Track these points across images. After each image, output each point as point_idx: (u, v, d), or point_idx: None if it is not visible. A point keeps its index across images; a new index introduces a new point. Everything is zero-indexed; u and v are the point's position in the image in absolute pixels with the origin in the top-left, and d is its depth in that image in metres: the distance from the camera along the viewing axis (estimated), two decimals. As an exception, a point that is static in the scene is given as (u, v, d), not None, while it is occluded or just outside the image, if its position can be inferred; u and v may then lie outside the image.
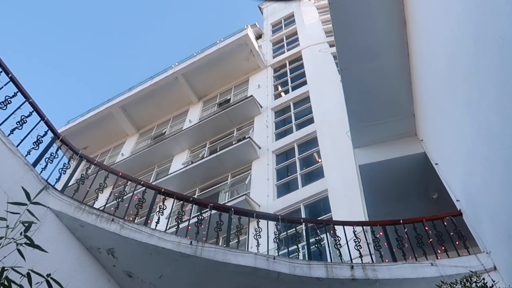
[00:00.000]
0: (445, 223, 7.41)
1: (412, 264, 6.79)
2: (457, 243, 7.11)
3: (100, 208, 7.30)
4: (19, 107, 7.12)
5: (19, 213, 3.99)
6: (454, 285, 4.66)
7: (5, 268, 3.52)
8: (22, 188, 4.05)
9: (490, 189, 5.82)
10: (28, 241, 3.74)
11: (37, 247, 3.73)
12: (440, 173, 8.48)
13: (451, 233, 7.22)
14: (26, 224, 3.78)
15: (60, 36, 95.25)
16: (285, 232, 8.31)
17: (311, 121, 17.31)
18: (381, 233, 7.60)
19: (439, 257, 6.93)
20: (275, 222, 8.01)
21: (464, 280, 4.62)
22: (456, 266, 6.44)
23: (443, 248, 7.10)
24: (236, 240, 7.40)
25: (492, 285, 4.59)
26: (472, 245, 7.07)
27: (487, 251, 6.54)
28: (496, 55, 4.54)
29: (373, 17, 8.51)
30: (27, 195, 3.99)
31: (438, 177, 8.56)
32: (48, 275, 3.71)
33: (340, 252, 7.34)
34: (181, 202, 8.17)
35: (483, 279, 4.69)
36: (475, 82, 5.49)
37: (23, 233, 3.74)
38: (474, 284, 4.58)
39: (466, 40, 5.54)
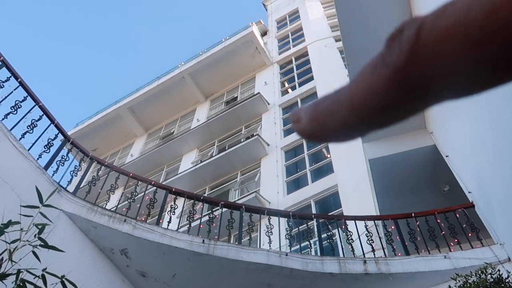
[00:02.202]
0: (457, 215, 7.37)
1: (425, 257, 6.77)
2: (470, 235, 7.08)
3: (112, 209, 7.35)
4: (29, 111, 7.19)
5: (32, 216, 4.02)
6: (469, 278, 4.64)
7: (21, 270, 3.56)
8: (36, 188, 4.08)
9: (502, 180, 5.79)
10: (42, 243, 3.78)
11: (53, 247, 3.76)
12: (451, 165, 8.44)
13: (464, 225, 7.19)
14: (39, 227, 3.81)
15: (65, 38, 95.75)
16: (297, 228, 8.30)
17: (319, 116, 17.27)
18: (393, 227, 7.58)
19: (452, 250, 6.90)
20: (286, 219, 8.02)
21: (479, 272, 4.60)
22: (469, 258, 6.42)
23: (456, 240, 7.07)
24: (248, 238, 7.42)
25: (508, 276, 4.57)
26: (485, 237, 7.04)
27: (501, 243, 6.50)
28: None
29: (379, 10, 8.48)
30: (40, 197, 4.03)
31: (449, 169, 8.52)
32: (63, 276, 3.74)
33: (352, 247, 7.33)
34: (192, 201, 8.20)
35: (498, 270, 4.67)
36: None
37: (37, 235, 3.78)
38: (489, 276, 4.55)
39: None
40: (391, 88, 0.28)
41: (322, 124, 0.32)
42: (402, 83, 0.27)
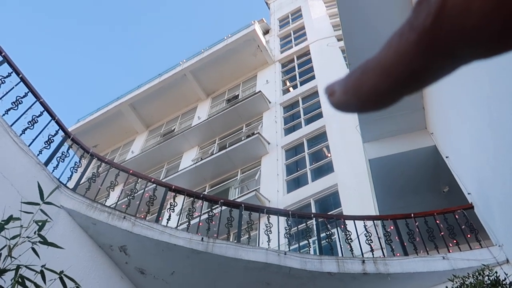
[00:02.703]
0: (457, 216, 7.38)
1: (423, 258, 6.77)
2: (469, 236, 7.08)
3: (112, 206, 7.36)
4: (30, 107, 7.20)
5: (32, 213, 4.04)
6: (466, 279, 4.65)
7: (20, 266, 3.57)
8: (38, 185, 4.09)
9: (502, 181, 5.79)
10: (42, 240, 3.79)
11: (52, 244, 3.78)
12: (451, 166, 8.44)
13: (463, 226, 7.19)
14: (40, 223, 3.82)
15: (67, 34, 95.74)
16: (296, 227, 8.31)
17: (320, 115, 17.27)
18: (392, 227, 7.58)
19: (450, 251, 6.91)
20: (286, 217, 8.03)
21: (477, 273, 4.61)
22: (468, 260, 6.42)
23: (454, 241, 7.08)
24: (247, 236, 7.43)
25: (505, 278, 4.57)
26: (484, 238, 7.04)
27: (500, 244, 6.51)
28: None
29: (381, 10, 8.46)
30: (41, 194, 4.04)
31: (448, 170, 8.52)
32: (61, 272, 3.75)
33: (351, 246, 7.34)
34: (192, 198, 8.21)
35: (496, 272, 4.67)
36: (485, 74, 5.46)
37: (37, 232, 3.79)
38: (486, 277, 4.56)
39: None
40: (419, 51, 0.28)
41: (356, 94, 0.33)
42: (431, 45, 0.28)
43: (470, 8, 0.26)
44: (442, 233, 7.30)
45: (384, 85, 0.31)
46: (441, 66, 0.29)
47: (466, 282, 4.54)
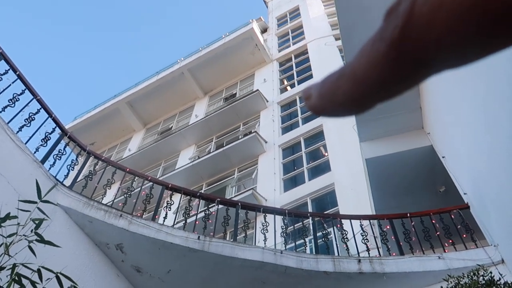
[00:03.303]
0: (452, 216, 7.40)
1: (419, 257, 6.80)
2: (464, 236, 7.11)
3: (108, 204, 7.36)
4: (27, 105, 7.19)
5: (29, 211, 4.04)
6: (461, 279, 4.67)
7: (16, 265, 3.57)
8: (36, 183, 4.09)
9: (498, 182, 5.81)
10: (38, 238, 3.79)
11: (49, 243, 3.78)
12: (447, 166, 8.47)
13: (459, 226, 7.22)
14: (36, 222, 3.82)
15: (65, 32, 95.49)
16: (292, 226, 8.33)
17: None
18: (388, 227, 7.61)
19: (446, 251, 6.93)
20: (282, 216, 8.04)
21: (471, 274, 4.63)
22: (463, 259, 6.45)
23: (450, 241, 7.11)
24: (244, 235, 7.44)
25: (499, 279, 4.59)
26: (479, 238, 7.07)
27: (495, 244, 6.54)
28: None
29: (378, 9, 8.46)
30: (39, 192, 4.04)
31: (445, 170, 8.55)
32: (58, 272, 3.76)
33: (347, 246, 7.36)
34: (188, 197, 8.22)
35: (490, 272, 4.69)
36: (482, 74, 5.47)
37: (33, 230, 3.79)
38: (481, 277, 4.58)
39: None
40: (388, 61, 0.29)
41: (330, 99, 0.34)
42: (399, 55, 0.29)
43: (435, 20, 0.27)
44: (438, 233, 7.33)
45: (357, 92, 0.32)
46: (411, 75, 0.30)
47: (461, 282, 4.56)
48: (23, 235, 3.80)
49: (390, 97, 0.32)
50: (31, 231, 3.80)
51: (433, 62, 0.28)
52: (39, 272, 3.66)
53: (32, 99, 7.35)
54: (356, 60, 0.32)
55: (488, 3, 0.25)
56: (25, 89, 7.26)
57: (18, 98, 6.98)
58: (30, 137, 6.98)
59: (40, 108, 7.41)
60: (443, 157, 8.63)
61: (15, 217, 3.85)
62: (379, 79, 0.30)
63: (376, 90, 0.31)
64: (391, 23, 0.29)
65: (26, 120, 6.96)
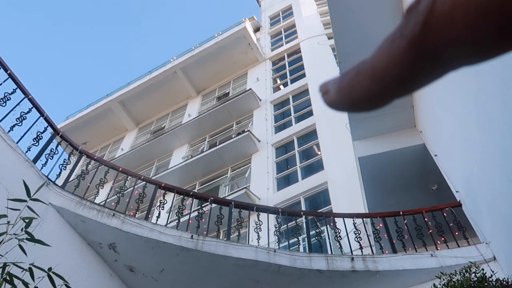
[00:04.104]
0: (445, 214, 7.44)
1: (412, 255, 6.83)
2: (456, 234, 7.14)
3: (101, 203, 7.33)
4: (18, 104, 7.14)
5: (19, 210, 4.01)
6: (454, 276, 4.69)
7: (7, 264, 3.55)
8: (24, 183, 4.06)
9: (489, 179, 5.85)
10: (29, 237, 3.76)
11: (39, 241, 3.75)
12: (440, 164, 8.50)
13: (451, 224, 7.25)
14: (26, 220, 3.80)
15: (57, 30, 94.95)
16: (286, 225, 8.34)
17: (310, 113, 17.30)
18: (381, 225, 7.63)
19: (439, 248, 6.97)
20: (276, 215, 8.05)
21: (464, 271, 4.66)
22: (456, 257, 6.48)
23: (443, 239, 7.14)
24: (237, 234, 7.43)
25: (491, 275, 4.62)
26: (471, 236, 7.11)
27: (487, 242, 6.57)
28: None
29: (370, 8, 8.49)
30: (28, 191, 4.01)
31: (437, 168, 8.59)
32: (50, 269, 3.73)
33: (340, 244, 7.37)
34: (182, 196, 8.20)
35: (482, 269, 4.72)
36: (474, 72, 5.50)
37: (24, 229, 3.76)
38: (473, 274, 4.61)
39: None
40: (408, 57, 0.30)
41: (349, 94, 0.34)
42: (419, 52, 0.29)
43: (454, 19, 0.27)
44: (430, 231, 7.36)
45: (376, 88, 0.32)
46: (430, 72, 0.30)
47: (453, 279, 4.59)
48: (13, 234, 3.77)
49: (408, 92, 0.32)
50: (22, 230, 3.77)
51: (452, 59, 0.29)
52: (30, 271, 3.64)
53: (24, 98, 7.29)
54: (376, 56, 0.32)
55: (505, 5, 0.26)
56: (16, 88, 7.21)
57: (9, 97, 6.93)
58: (22, 137, 6.93)
59: (32, 107, 7.36)
60: (435, 155, 8.66)
61: (4, 216, 3.82)
62: (399, 75, 0.31)
63: (395, 86, 0.32)
64: (411, 20, 0.30)
65: (17, 119, 6.91)
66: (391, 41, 0.31)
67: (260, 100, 20.04)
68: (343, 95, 0.34)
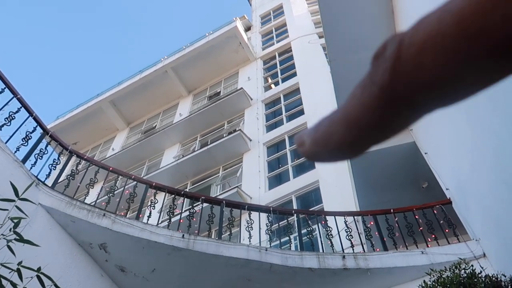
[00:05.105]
0: (435, 211, 7.48)
1: (403, 252, 6.86)
2: (447, 231, 7.19)
3: (92, 204, 7.28)
4: (6, 103, 7.08)
5: (7, 209, 3.97)
6: (443, 273, 4.72)
7: (-4, 265, 3.51)
8: (11, 183, 4.02)
9: (479, 177, 5.89)
10: (17, 237, 3.73)
11: (28, 242, 3.72)
12: (430, 162, 8.55)
13: (441, 222, 7.30)
14: (15, 220, 3.76)
15: (47, 31, 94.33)
16: (277, 224, 8.34)
17: (301, 112, 17.32)
18: (372, 223, 7.66)
19: (429, 246, 7.01)
20: (267, 214, 8.05)
21: (453, 267, 4.69)
22: (446, 254, 6.52)
23: (433, 236, 7.19)
24: (228, 233, 7.43)
25: (480, 272, 4.66)
26: (461, 233, 7.16)
27: (477, 239, 6.62)
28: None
29: (361, 7, 8.52)
30: (15, 191, 3.97)
31: (427, 166, 8.64)
32: (39, 269, 3.70)
33: (331, 242, 7.39)
34: (173, 195, 8.17)
35: (472, 265, 4.76)
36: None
37: (12, 229, 3.72)
38: (463, 271, 4.64)
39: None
40: (381, 104, 0.29)
41: (324, 145, 0.33)
42: (391, 98, 0.29)
43: (423, 61, 0.27)
44: (421, 228, 7.40)
45: (351, 136, 0.32)
46: (404, 116, 0.30)
47: (443, 276, 4.62)
48: (2, 234, 3.73)
49: (385, 139, 0.32)
50: (10, 230, 3.73)
51: (426, 102, 0.29)
52: (18, 271, 3.60)
53: (12, 97, 7.23)
54: (348, 104, 0.32)
55: (472, 39, 0.25)
56: (4, 88, 7.15)
57: (-3, 97, 6.87)
58: (11, 137, 6.87)
59: (21, 107, 7.30)
60: (425, 153, 8.72)
61: (-8, 216, 3.79)
62: (373, 122, 0.30)
63: (370, 133, 0.31)
64: (380, 67, 0.29)
65: (6, 119, 6.85)
66: (362, 88, 0.30)
67: (251, 99, 20.03)
68: (318, 146, 0.34)
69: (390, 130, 0.31)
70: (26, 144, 7.08)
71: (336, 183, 12.61)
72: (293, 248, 7.58)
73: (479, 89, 0.28)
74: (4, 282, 3.53)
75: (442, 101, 0.28)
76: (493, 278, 4.51)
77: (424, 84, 0.27)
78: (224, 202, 7.99)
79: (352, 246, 7.28)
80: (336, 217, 7.98)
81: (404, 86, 0.28)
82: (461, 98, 0.28)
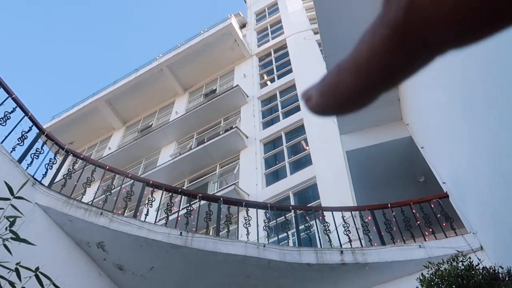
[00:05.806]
0: (432, 205, 7.50)
1: (400, 247, 6.88)
2: (444, 224, 7.21)
3: (89, 202, 7.27)
4: (1, 103, 7.05)
5: (3, 208, 3.95)
6: (441, 265, 4.74)
7: (-7, 264, 3.50)
8: (5, 182, 4.01)
9: (476, 170, 5.90)
10: (13, 236, 3.72)
11: (24, 241, 3.71)
12: (426, 157, 8.57)
13: (438, 215, 7.32)
14: (11, 219, 3.74)
15: (42, 30, 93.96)
16: (275, 220, 8.36)
17: (297, 109, 17.32)
18: (369, 218, 7.68)
19: (427, 239, 7.03)
20: (265, 210, 8.05)
21: (451, 260, 4.71)
22: (443, 247, 6.54)
23: (430, 230, 7.21)
24: (226, 230, 7.43)
25: (478, 264, 4.68)
26: (459, 226, 7.18)
27: (474, 232, 6.65)
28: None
29: (356, 3, 8.51)
30: (10, 190, 3.96)
31: (424, 160, 8.65)
32: (37, 269, 3.70)
33: (329, 237, 7.40)
34: (170, 193, 8.17)
35: (469, 258, 4.78)
36: (458, 64, 5.54)
37: (8, 228, 3.71)
38: (460, 263, 4.66)
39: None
40: (393, 46, 0.28)
41: (332, 95, 0.32)
42: (404, 38, 0.28)
43: (438, 1, 0.26)
44: (418, 222, 7.42)
45: (360, 83, 0.31)
46: (416, 59, 0.29)
47: (440, 268, 4.63)
48: (-2, 233, 3.73)
49: (394, 84, 0.31)
50: (6, 229, 3.72)
51: (438, 43, 0.28)
52: (17, 271, 3.59)
53: (8, 97, 7.20)
54: (357, 50, 0.30)
55: None
56: (-1, 88, 7.12)
57: (-8, 97, 6.85)
58: (6, 136, 6.85)
59: (16, 107, 7.27)
60: (422, 147, 8.73)
61: (-13, 215, 3.77)
62: (383, 65, 0.29)
63: (380, 78, 0.30)
64: (392, 6, 0.28)
65: (1, 119, 6.82)
66: (372, 33, 0.29)
67: (248, 96, 20.03)
68: (326, 97, 0.32)
69: (400, 74, 0.30)
70: (22, 144, 7.06)
71: (333, 179, 12.64)
72: (291, 244, 7.60)
73: (496, 32, 0.27)
74: (2, 282, 3.52)
75: (456, 42, 0.27)
76: (491, 270, 4.53)
77: (440, 24, 0.26)
78: (221, 199, 7.99)
79: (350, 241, 7.30)
80: (334, 212, 8.00)
81: (418, 25, 0.27)
82: (475, 40, 0.27)
